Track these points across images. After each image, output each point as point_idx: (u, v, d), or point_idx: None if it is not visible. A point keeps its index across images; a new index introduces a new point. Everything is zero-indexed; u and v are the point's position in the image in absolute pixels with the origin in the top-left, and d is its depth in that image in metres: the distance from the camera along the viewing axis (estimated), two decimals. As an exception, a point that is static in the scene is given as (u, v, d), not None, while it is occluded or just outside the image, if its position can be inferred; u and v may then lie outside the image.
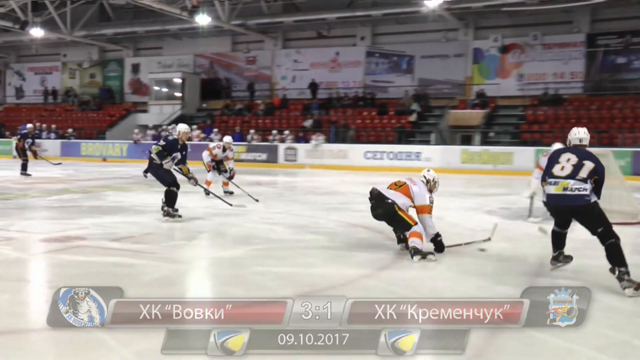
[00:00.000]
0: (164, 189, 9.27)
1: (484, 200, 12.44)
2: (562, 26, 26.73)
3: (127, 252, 6.78)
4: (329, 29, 30.63)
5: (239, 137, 27.64)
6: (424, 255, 6.47)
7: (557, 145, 10.12)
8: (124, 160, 28.14)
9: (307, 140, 25.96)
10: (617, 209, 9.72)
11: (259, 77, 33.33)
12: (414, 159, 23.32)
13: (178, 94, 33.27)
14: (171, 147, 9.40)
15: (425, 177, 6.96)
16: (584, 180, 5.59)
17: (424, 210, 6.72)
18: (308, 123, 27.76)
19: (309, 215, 10.06)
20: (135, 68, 36.55)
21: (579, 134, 6.12)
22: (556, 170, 5.65)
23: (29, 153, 18.58)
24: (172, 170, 9.46)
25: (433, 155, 23.14)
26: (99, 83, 37.53)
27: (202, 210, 10.85)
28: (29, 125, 19.97)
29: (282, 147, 26.00)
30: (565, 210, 5.78)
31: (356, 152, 24.59)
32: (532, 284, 5.58)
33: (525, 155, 21.05)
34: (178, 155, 9.45)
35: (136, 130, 30.31)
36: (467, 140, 25.60)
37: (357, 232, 8.51)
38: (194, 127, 29.42)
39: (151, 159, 9.41)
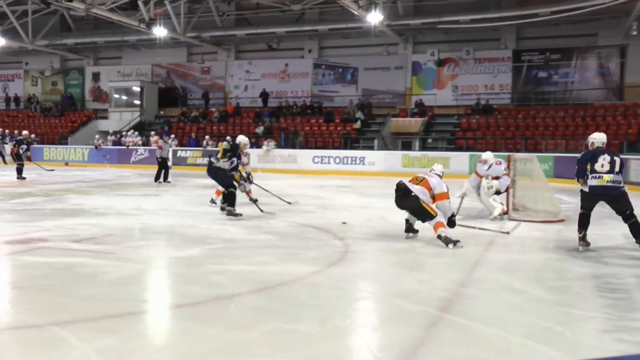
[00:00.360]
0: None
1: (423, 201, 12.57)
2: (491, 42, 27.31)
3: (88, 252, 6.61)
4: (278, 42, 30.61)
5: (195, 143, 27.39)
6: (454, 242, 7.09)
7: (489, 154, 10.43)
8: (85, 164, 27.53)
9: (259, 146, 25.82)
10: (541, 208, 10.02)
11: (213, 86, 33.04)
12: (358, 163, 23.49)
13: (137, 102, 32.68)
14: (234, 150, 9.99)
15: (442, 171, 7.98)
16: (618, 174, 6.83)
17: (444, 197, 7.43)
18: (260, 130, 27.64)
19: (261, 216, 9.99)
20: (96, 76, 35.76)
21: (604, 139, 7.30)
22: (598, 167, 6.85)
23: (24, 158, 18.46)
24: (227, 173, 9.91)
25: (376, 160, 23.31)
26: (60, 90, 36.54)
27: (159, 211, 10.70)
28: (25, 132, 19.97)
29: (235, 152, 25.74)
30: (604, 198, 6.95)
31: (305, 157, 24.59)
32: (468, 277, 5.69)
33: (461, 160, 21.43)
34: (235, 160, 9.99)
35: (97, 136, 29.65)
36: (407, 146, 25.86)
37: (307, 231, 8.51)
38: (152, 132, 29.00)
39: (210, 163, 9.93)
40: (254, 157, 25.09)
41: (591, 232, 7.81)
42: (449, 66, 28.15)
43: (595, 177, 6.85)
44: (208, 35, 29.55)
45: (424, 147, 24.95)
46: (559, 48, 26.12)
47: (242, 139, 10.56)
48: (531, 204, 10.27)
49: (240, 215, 9.67)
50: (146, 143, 28.40)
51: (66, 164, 27.69)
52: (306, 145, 26.10)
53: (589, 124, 23.01)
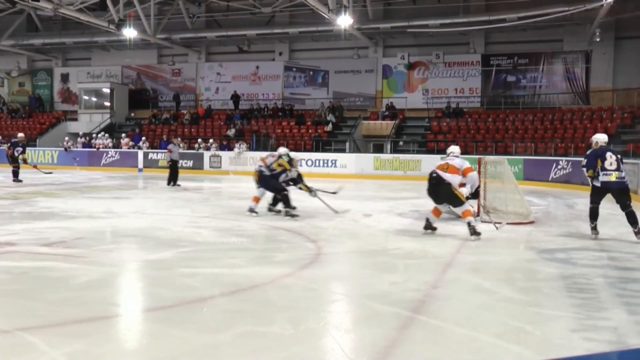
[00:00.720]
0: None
1: (395, 204, 12.66)
2: (461, 47, 27.60)
3: (58, 256, 6.50)
4: (249, 44, 30.51)
5: (166, 145, 27.08)
6: (478, 234, 7.87)
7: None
8: (54, 167, 27.03)
9: (230, 148, 25.71)
10: (512, 210, 10.13)
11: (184, 88, 32.80)
12: (330, 165, 23.50)
13: (107, 104, 32.29)
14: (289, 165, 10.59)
15: (461, 153, 8.76)
16: (622, 170, 8.05)
17: (470, 170, 8.25)
18: (231, 132, 27.53)
19: (233, 219, 9.94)
20: (65, 78, 35.23)
21: (606, 138, 8.63)
22: (607, 165, 8.01)
23: (20, 161, 18.32)
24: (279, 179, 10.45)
25: (348, 162, 23.37)
26: (28, 92, 35.89)
27: (131, 214, 10.56)
28: (20, 135, 19.81)
29: (207, 154, 25.65)
30: (612, 191, 8.07)
31: (277, 159, 24.49)
32: (439, 279, 5.72)
33: (432, 162, 21.36)
34: (289, 174, 10.60)
35: (66, 138, 29.25)
36: (379, 149, 25.99)
37: (278, 234, 8.49)
38: (123, 135, 28.67)
39: (261, 172, 10.44)
40: (226, 160, 25.02)
41: (559, 233, 7.93)
42: (419, 70, 28.35)
43: (606, 174, 8.02)
44: (178, 37, 29.34)
45: (395, 150, 25.10)
46: (527, 53, 26.51)
47: (293, 154, 11.21)
48: (501, 205, 10.38)
49: (298, 216, 10.09)
50: (117, 145, 28.10)
51: (34, 166, 27.18)
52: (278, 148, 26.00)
53: (557, 127, 23.40)
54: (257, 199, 10.52)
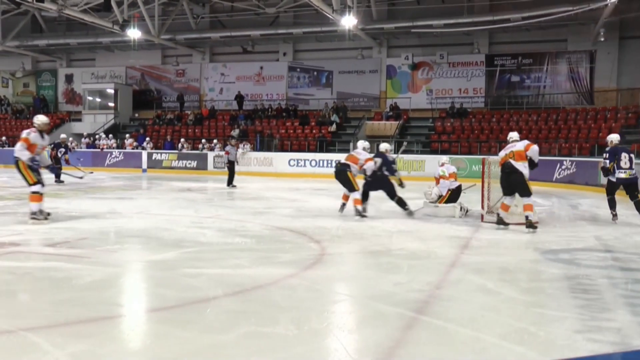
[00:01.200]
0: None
1: (398, 204, 12.62)
2: (465, 47, 27.61)
3: (62, 257, 6.50)
4: (253, 45, 30.55)
5: (170, 146, 27.18)
6: (534, 228, 8.41)
7: (442, 157, 11.08)
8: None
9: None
10: (517, 211, 10.10)
11: (188, 89, 32.86)
12: (334, 166, 23.43)
13: (111, 104, 32.41)
14: (385, 158, 10.63)
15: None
16: (633, 168, 9.66)
17: (531, 144, 8.71)
18: (235, 132, 27.54)
19: (237, 220, 9.94)
20: (69, 78, 35.34)
21: (619, 137, 10.33)
22: (623, 164, 9.72)
23: (63, 162, 18.68)
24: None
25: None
26: (32, 92, 36.02)
27: (134, 215, 10.58)
28: (63, 136, 20.46)
29: (211, 155, 25.68)
30: (624, 185, 9.74)
31: (281, 159, 24.55)
32: (443, 279, 5.71)
33: (436, 163, 21.41)
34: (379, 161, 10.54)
35: (71, 139, 29.26)
36: (382, 149, 25.94)
37: (282, 234, 8.47)
38: (127, 135, 28.71)
39: (374, 172, 10.38)
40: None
41: (563, 234, 7.91)
42: (423, 70, 28.35)
43: (621, 172, 9.74)
44: (182, 37, 29.40)
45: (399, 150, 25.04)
46: (531, 53, 26.50)
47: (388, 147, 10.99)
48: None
49: (412, 212, 10.39)
50: (121, 146, 28.15)
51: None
52: (282, 148, 26.06)
53: (561, 127, 23.35)
54: (360, 201, 10.27)
